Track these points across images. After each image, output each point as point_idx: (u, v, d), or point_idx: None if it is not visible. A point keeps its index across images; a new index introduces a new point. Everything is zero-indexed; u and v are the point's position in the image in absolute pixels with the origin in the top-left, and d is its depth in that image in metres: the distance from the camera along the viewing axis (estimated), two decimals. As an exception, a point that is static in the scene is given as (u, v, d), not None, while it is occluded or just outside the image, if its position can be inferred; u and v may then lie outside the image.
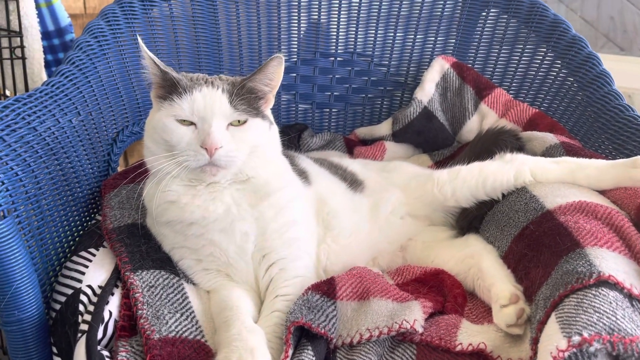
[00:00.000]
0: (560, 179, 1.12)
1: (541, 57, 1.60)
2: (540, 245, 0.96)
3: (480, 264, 1.05)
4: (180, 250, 1.02)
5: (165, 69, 0.98)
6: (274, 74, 1.00)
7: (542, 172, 1.14)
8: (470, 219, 1.22)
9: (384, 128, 1.68)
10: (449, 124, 1.65)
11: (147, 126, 1.02)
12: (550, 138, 1.31)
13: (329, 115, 1.80)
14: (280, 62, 0.99)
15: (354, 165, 1.36)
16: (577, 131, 1.48)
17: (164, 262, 1.00)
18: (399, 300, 0.96)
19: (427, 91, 1.64)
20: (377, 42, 1.71)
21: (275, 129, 1.06)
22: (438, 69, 1.65)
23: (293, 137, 1.65)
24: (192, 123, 0.95)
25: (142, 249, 1.00)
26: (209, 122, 0.94)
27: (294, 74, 1.72)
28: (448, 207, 1.23)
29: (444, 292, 1.05)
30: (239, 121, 0.97)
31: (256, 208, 1.00)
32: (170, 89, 0.97)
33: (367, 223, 1.20)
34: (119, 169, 1.42)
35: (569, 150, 1.24)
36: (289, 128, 1.70)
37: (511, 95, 1.63)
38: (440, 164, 1.59)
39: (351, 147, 1.68)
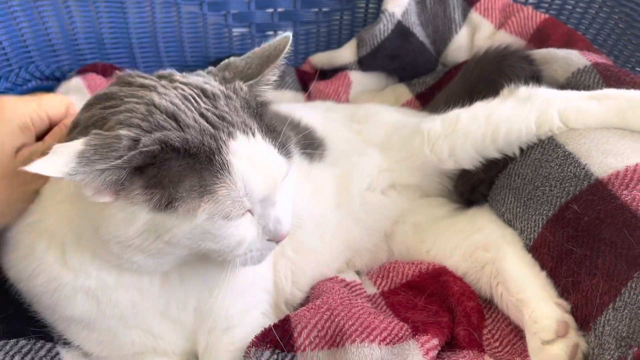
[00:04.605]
0: (605, 123, 0.78)
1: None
2: (595, 240, 0.64)
3: (501, 263, 0.73)
4: (74, 329, 0.64)
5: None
6: None
7: (576, 114, 0.79)
8: (474, 184, 0.88)
9: (347, 53, 1.28)
10: (431, 41, 1.27)
11: (113, 232, 0.53)
12: (577, 58, 0.94)
13: (274, 40, 1.37)
14: None
15: (311, 115, 0.98)
16: (601, 43, 1.12)
17: (26, 318, 0.64)
18: (390, 342, 0.64)
19: (399, -1, 1.23)
20: None
21: None
22: (412, -33, 1.24)
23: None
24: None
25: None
26: (272, 200, 0.56)
27: (222, -13, 1.28)
28: (445, 171, 0.89)
29: (449, 304, 0.73)
30: None
31: None
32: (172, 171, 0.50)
33: (335, 210, 0.84)
34: None
35: (607, 77, 0.88)
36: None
37: (509, -3, 1.24)
38: (422, 96, 1.24)
39: (306, 82, 1.29)
